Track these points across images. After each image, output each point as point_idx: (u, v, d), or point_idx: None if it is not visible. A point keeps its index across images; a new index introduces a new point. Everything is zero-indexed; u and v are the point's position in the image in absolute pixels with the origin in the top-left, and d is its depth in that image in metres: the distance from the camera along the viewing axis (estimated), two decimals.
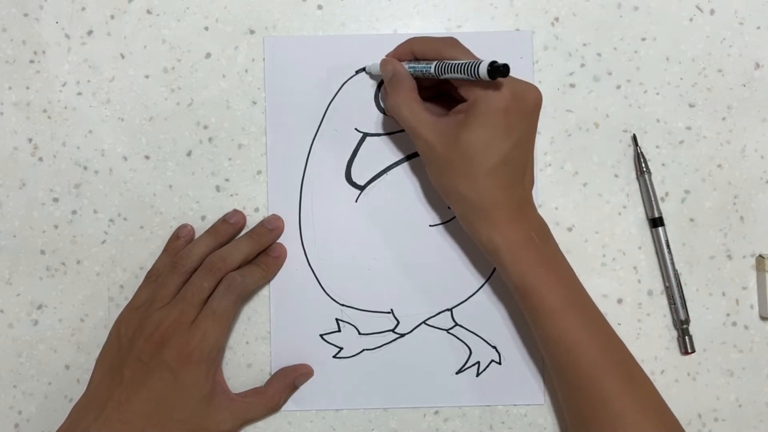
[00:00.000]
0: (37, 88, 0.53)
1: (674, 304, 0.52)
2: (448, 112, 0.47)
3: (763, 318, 0.52)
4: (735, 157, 0.53)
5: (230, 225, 0.51)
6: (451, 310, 0.52)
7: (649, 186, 0.52)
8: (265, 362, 0.52)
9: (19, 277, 0.52)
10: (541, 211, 0.51)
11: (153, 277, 0.50)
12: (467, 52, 0.47)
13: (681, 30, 0.53)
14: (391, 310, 0.52)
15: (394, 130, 0.53)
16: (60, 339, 0.52)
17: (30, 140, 0.52)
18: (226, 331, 0.49)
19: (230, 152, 0.53)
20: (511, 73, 0.43)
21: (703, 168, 0.53)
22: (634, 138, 0.53)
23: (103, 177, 0.52)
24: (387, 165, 0.53)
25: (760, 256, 0.52)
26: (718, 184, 0.53)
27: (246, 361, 0.52)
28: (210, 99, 0.53)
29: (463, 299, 0.52)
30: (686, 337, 0.52)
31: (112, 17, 0.53)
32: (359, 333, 0.52)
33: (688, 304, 0.52)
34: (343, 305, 0.52)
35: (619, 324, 0.52)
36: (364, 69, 0.52)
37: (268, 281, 0.52)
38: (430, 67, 0.47)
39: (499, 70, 0.42)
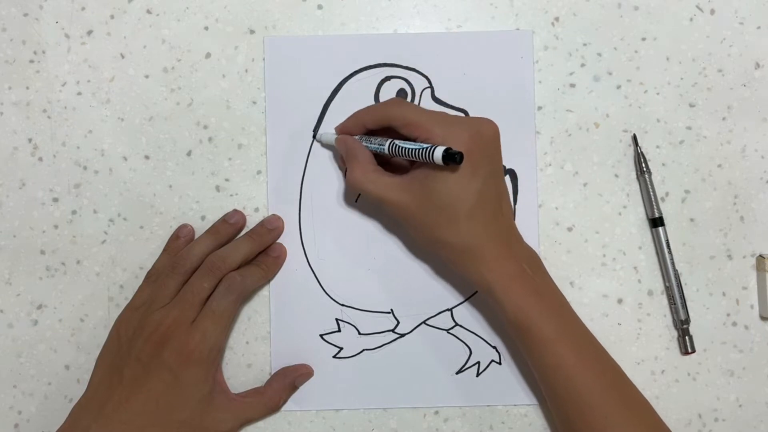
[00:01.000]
0: (36, 87, 0.53)
1: (674, 304, 0.52)
2: (410, 167, 0.48)
3: (763, 318, 0.52)
4: (735, 157, 0.53)
5: (230, 225, 0.51)
6: (451, 310, 0.52)
7: (649, 186, 0.52)
8: (265, 362, 0.52)
9: (18, 277, 0.52)
10: (541, 211, 0.51)
11: (153, 277, 0.50)
12: (416, 110, 0.47)
13: (681, 30, 0.53)
14: (391, 310, 0.52)
15: None
16: (60, 339, 0.52)
17: (30, 140, 0.52)
18: (226, 331, 0.49)
19: (230, 152, 0.53)
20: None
21: (703, 168, 0.53)
22: (635, 138, 0.53)
23: (103, 177, 0.52)
24: None
25: (760, 256, 0.52)
26: (718, 184, 0.53)
27: (246, 361, 0.52)
28: (210, 99, 0.53)
29: (463, 299, 0.52)
30: (686, 337, 0.52)
31: (112, 17, 0.53)
32: (359, 333, 0.52)
33: (688, 304, 0.52)
34: (343, 305, 0.52)
35: (619, 324, 0.52)
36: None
37: (268, 281, 0.52)
38: (384, 147, 0.47)
39: (453, 158, 0.43)
